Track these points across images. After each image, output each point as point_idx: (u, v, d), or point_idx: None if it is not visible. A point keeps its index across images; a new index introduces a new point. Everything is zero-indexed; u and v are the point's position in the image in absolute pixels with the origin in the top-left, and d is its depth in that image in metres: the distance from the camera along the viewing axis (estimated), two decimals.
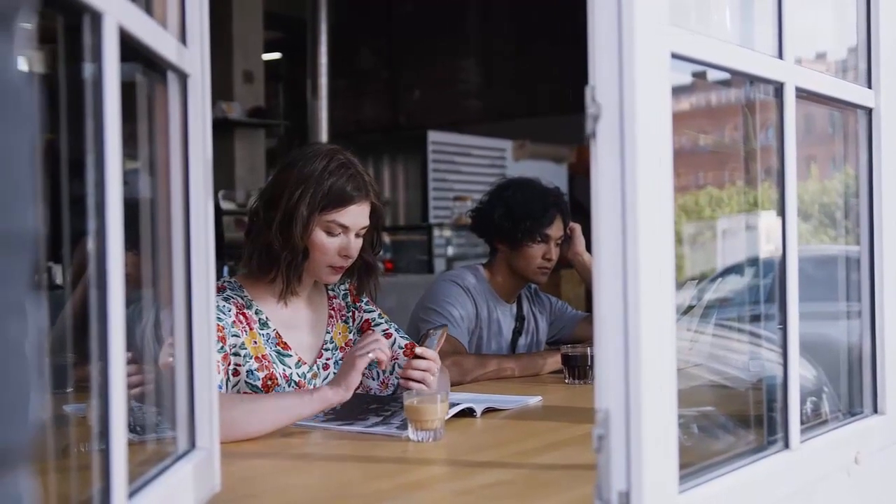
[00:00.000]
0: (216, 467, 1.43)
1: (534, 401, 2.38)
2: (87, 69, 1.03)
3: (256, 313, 2.25)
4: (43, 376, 0.60)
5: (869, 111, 1.83)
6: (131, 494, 1.10)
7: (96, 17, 1.00)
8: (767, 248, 1.96)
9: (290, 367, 2.25)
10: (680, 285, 1.34)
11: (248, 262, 2.27)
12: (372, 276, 2.38)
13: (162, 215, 1.37)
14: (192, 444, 1.38)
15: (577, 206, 5.75)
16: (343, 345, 2.39)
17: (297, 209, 2.18)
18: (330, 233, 2.22)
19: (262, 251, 2.23)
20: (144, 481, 1.19)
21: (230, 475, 1.50)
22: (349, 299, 2.45)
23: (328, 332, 2.38)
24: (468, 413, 2.14)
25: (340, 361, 2.34)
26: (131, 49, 1.12)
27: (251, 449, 1.88)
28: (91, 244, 1.02)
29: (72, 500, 1.18)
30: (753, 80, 1.58)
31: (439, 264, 7.52)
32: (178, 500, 1.27)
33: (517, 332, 3.18)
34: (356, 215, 2.24)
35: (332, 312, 2.41)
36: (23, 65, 0.58)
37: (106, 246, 1.01)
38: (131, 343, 1.09)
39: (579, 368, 2.68)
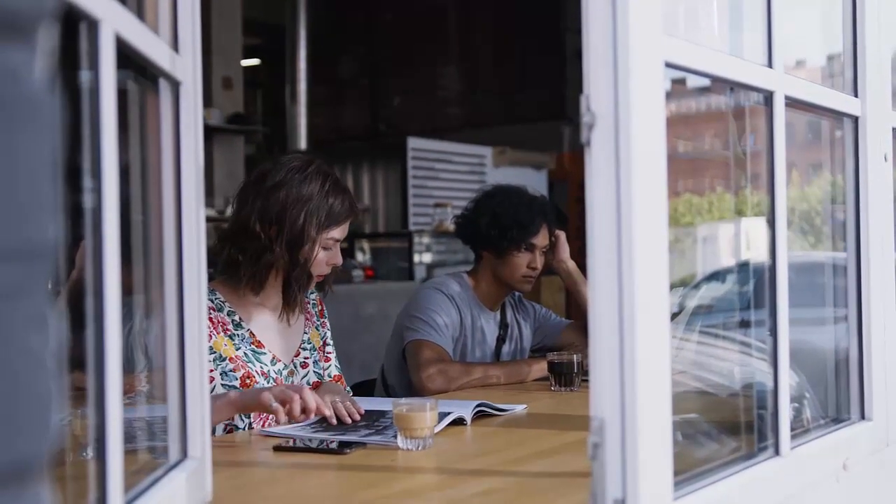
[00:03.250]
0: (208, 477, 1.43)
1: (520, 409, 2.38)
2: (84, 76, 1.02)
3: (229, 314, 2.31)
4: (62, 388, 0.59)
5: (855, 119, 1.85)
6: None
7: (93, 25, 0.99)
8: (749, 255, 1.97)
9: (266, 365, 2.31)
10: None
11: (250, 277, 2.29)
12: (335, 271, 2.45)
13: (153, 223, 1.37)
14: (184, 454, 1.37)
15: (558, 213, 5.75)
16: (317, 347, 2.49)
17: (305, 232, 2.27)
18: (325, 248, 2.33)
19: (265, 269, 2.29)
20: (138, 491, 1.18)
21: (221, 485, 1.49)
22: (317, 310, 2.55)
23: (305, 333, 2.46)
24: (458, 421, 2.14)
25: (318, 362, 2.46)
26: (124, 56, 1.11)
27: (242, 458, 1.87)
28: (87, 252, 1.01)
29: None
30: (744, 88, 1.59)
31: (420, 271, 7.51)
32: None
33: (501, 340, 3.18)
34: (346, 228, 2.38)
35: (308, 315, 2.49)
36: (44, 75, 0.58)
37: (102, 253, 1.01)
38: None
39: (565, 376, 2.69)
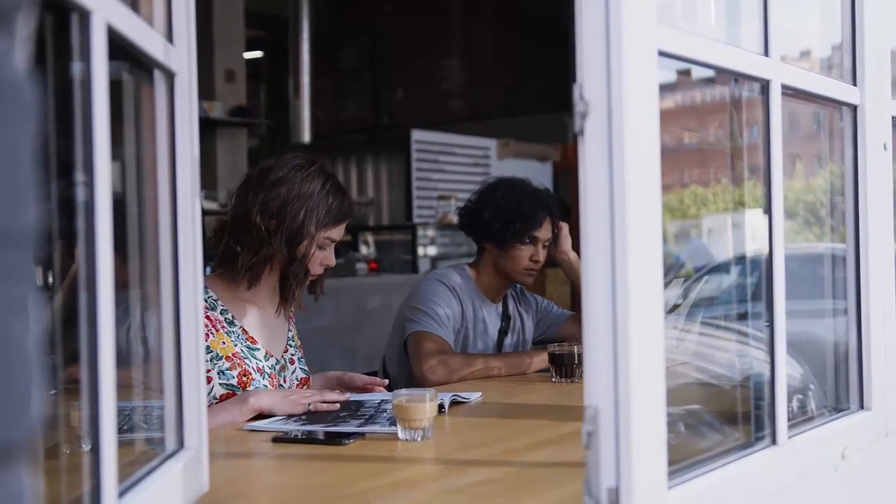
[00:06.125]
0: (205, 467, 1.43)
1: (475, 397, 2.41)
2: (75, 67, 1.02)
3: (222, 313, 2.33)
4: (43, 373, 0.60)
5: (854, 108, 1.84)
6: (121, 494, 1.09)
7: (84, 16, 0.99)
8: (753, 247, 1.97)
9: (260, 361, 2.34)
10: (666, 283, 1.34)
11: (247, 269, 2.29)
12: (327, 273, 2.47)
13: (149, 216, 1.37)
14: (181, 444, 1.38)
15: (562, 205, 5.77)
16: (298, 345, 2.53)
17: (304, 228, 2.30)
18: (321, 247, 2.35)
19: (262, 262, 2.31)
20: (134, 481, 1.19)
21: (218, 475, 1.50)
22: (292, 310, 2.56)
23: (290, 331, 2.50)
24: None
25: (301, 359, 2.50)
26: (117, 47, 1.11)
27: (239, 449, 1.87)
28: (79, 245, 1.02)
29: (61, 501, 1.17)
30: (740, 77, 1.58)
31: (423, 264, 7.51)
32: (167, 499, 1.26)
33: (503, 332, 3.18)
34: (343, 230, 2.40)
35: (291, 315, 2.53)
36: (23, 63, 0.58)
37: (95, 247, 1.01)
38: (116, 344, 1.09)
39: (566, 367, 2.69)
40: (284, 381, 2.40)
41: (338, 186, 2.38)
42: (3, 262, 0.55)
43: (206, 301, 2.29)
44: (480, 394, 2.45)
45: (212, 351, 2.24)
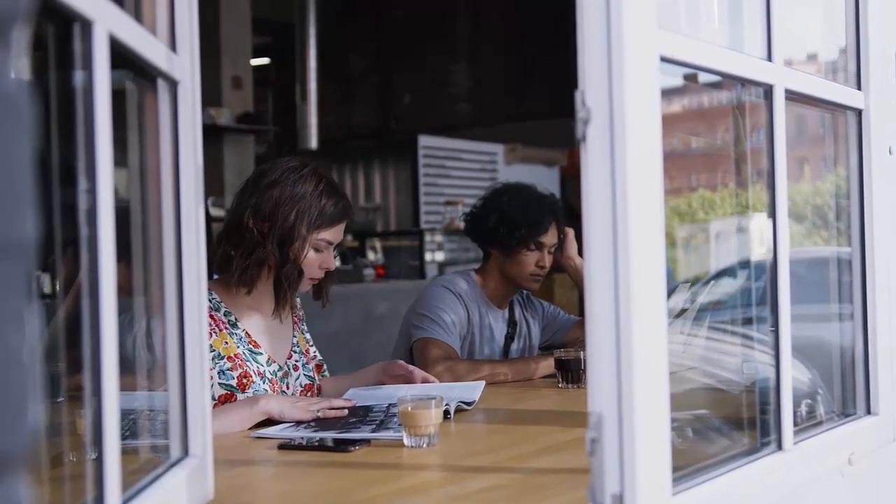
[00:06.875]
0: (209, 475, 1.43)
1: (479, 388, 2.42)
2: (78, 76, 1.02)
3: (226, 315, 2.34)
4: (40, 383, 0.60)
5: (858, 112, 1.84)
6: (125, 502, 1.10)
7: (87, 25, 1.00)
8: (760, 251, 1.96)
9: (262, 365, 2.34)
10: (672, 288, 1.33)
11: (241, 273, 2.29)
12: (331, 279, 2.47)
13: (153, 223, 1.37)
14: (186, 452, 1.38)
15: (569, 210, 5.76)
16: (304, 351, 2.52)
17: (296, 229, 2.30)
18: (317, 249, 2.35)
19: (256, 265, 2.31)
20: (138, 489, 1.19)
21: (223, 483, 1.50)
22: (301, 314, 2.58)
23: (294, 337, 2.50)
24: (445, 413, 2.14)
25: (306, 365, 2.49)
26: (121, 56, 1.12)
27: (244, 457, 1.87)
28: (83, 253, 1.02)
29: None
30: (743, 82, 1.58)
31: (431, 269, 7.51)
32: None
33: (510, 338, 3.18)
34: (340, 232, 2.40)
35: (296, 320, 2.53)
36: (19, 73, 0.58)
37: (98, 255, 1.01)
38: (122, 352, 1.09)
39: (572, 372, 2.68)
40: (287, 388, 2.39)
41: (332, 188, 2.37)
42: (0, 274, 0.55)
43: (210, 302, 2.30)
44: (483, 382, 2.46)
45: (214, 350, 2.25)
